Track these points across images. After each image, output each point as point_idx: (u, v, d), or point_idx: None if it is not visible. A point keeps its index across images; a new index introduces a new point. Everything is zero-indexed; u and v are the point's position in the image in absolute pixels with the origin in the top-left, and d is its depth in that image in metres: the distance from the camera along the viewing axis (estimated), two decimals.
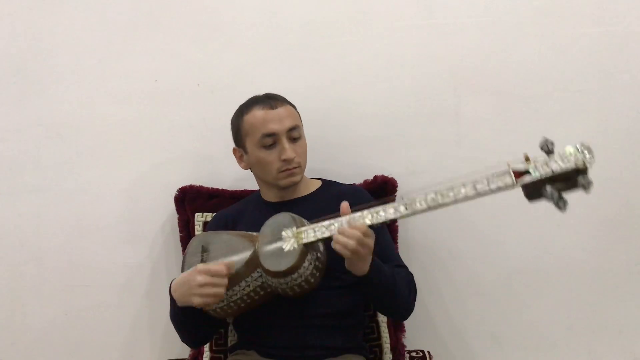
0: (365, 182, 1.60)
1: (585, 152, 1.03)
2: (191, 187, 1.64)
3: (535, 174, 1.03)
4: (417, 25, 1.67)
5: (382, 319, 1.54)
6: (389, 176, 1.59)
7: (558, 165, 1.03)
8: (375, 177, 1.59)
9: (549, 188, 1.03)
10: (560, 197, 1.02)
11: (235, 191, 1.63)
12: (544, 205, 1.67)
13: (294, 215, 1.24)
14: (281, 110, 1.36)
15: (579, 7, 1.64)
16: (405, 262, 1.45)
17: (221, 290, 1.21)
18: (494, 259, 1.69)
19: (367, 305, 1.52)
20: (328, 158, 1.65)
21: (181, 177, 1.67)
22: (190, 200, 1.62)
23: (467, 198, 1.10)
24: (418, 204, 1.12)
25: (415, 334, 1.64)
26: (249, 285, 1.27)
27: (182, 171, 1.69)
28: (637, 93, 1.64)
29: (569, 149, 1.03)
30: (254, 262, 1.25)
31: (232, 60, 1.70)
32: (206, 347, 1.55)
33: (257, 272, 1.25)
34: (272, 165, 1.36)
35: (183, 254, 1.59)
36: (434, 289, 1.68)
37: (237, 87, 1.68)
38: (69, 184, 1.70)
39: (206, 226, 1.55)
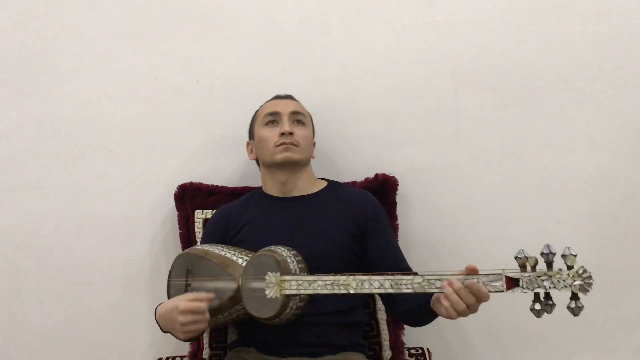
0: (367, 180, 1.60)
1: (585, 280, 1.03)
2: (191, 184, 1.64)
3: (525, 290, 1.05)
4: (417, 22, 1.68)
5: (382, 316, 1.54)
6: (390, 175, 1.60)
7: (552, 285, 1.04)
8: (376, 175, 1.59)
9: (537, 305, 1.05)
10: (548, 304, 1.04)
11: (235, 188, 1.63)
12: (542, 202, 1.69)
13: (278, 258, 1.23)
14: (289, 101, 1.49)
15: (579, 4, 1.65)
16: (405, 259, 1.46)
17: (204, 325, 1.21)
18: (493, 256, 1.68)
19: (367, 304, 1.52)
20: (327, 156, 1.65)
21: (181, 174, 1.67)
22: (190, 197, 1.62)
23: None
24: (404, 286, 1.13)
25: (414, 331, 1.63)
26: (231, 314, 1.30)
27: (181, 168, 1.69)
28: (637, 90, 1.65)
29: (569, 272, 1.03)
30: (237, 299, 1.26)
31: (231, 57, 1.70)
32: (206, 344, 1.55)
33: (240, 305, 1.27)
34: (270, 140, 1.41)
35: (182, 251, 1.60)
36: None
37: (236, 85, 1.70)
38: (68, 181, 1.70)
39: (206, 223, 1.55)
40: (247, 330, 1.39)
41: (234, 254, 1.31)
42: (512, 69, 1.66)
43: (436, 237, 1.69)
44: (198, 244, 1.54)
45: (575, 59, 1.65)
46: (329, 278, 1.18)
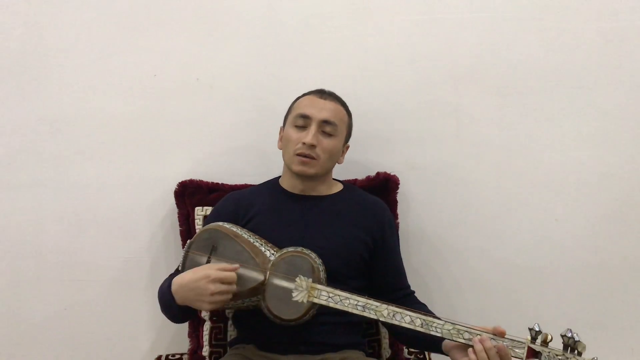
0: (368, 178, 1.60)
1: None
2: (191, 181, 1.63)
3: None
4: (417, 20, 1.68)
5: None
6: (391, 173, 1.60)
7: None
8: (377, 173, 1.60)
9: None
10: None
11: (236, 185, 1.63)
12: (542, 201, 1.69)
13: (315, 264, 1.23)
14: (327, 103, 1.41)
15: (580, 2, 1.65)
16: (405, 257, 1.47)
17: (230, 297, 1.22)
18: (493, 254, 1.70)
19: None
20: None
21: (181, 171, 1.67)
22: (190, 194, 1.62)
23: None
24: (434, 329, 1.17)
25: None
26: (243, 303, 1.29)
27: (181, 165, 1.68)
28: (637, 89, 1.65)
29: (585, 359, 1.10)
30: (258, 291, 1.25)
31: (231, 55, 1.69)
32: (206, 342, 1.55)
33: (257, 297, 1.26)
34: (292, 144, 1.38)
35: (185, 245, 1.60)
36: (433, 284, 1.69)
37: (236, 82, 1.69)
38: (68, 178, 1.69)
39: (205, 219, 1.54)
40: (246, 327, 1.39)
41: (261, 245, 1.30)
42: (512, 67, 1.67)
43: (437, 235, 1.70)
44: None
45: (575, 57, 1.66)
46: (362, 300, 1.20)
